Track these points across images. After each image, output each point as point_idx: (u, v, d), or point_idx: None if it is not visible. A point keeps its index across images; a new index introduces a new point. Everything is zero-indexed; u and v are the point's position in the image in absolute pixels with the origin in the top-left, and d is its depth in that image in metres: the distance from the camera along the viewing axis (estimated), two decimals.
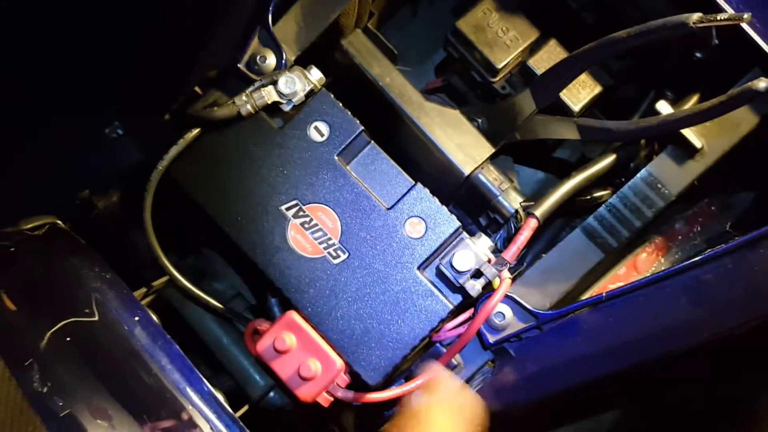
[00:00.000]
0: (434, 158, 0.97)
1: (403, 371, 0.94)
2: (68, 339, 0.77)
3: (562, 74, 0.93)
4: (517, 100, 0.99)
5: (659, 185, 0.92)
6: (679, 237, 1.03)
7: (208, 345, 0.99)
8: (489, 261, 0.86)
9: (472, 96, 1.10)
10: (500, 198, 0.96)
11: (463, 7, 1.14)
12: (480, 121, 1.02)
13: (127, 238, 1.00)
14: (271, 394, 0.98)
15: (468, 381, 0.94)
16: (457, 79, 1.11)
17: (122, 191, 1.01)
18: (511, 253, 0.86)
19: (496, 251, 0.89)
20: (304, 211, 0.89)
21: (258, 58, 0.95)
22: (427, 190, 0.88)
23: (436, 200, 0.88)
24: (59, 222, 0.98)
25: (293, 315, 0.86)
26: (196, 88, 0.99)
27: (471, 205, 1.02)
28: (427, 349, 0.94)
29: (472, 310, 0.89)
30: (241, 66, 0.95)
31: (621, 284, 0.99)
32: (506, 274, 0.85)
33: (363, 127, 0.89)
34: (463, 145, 0.97)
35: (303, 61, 0.96)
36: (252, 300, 1.06)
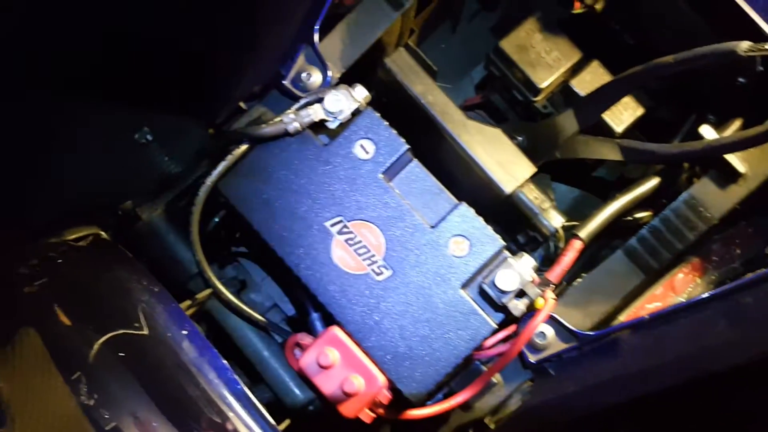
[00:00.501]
0: (475, 176, 0.98)
1: (443, 388, 0.95)
2: (116, 351, 0.78)
3: (607, 96, 0.94)
4: (559, 119, 1.00)
5: (701, 209, 0.93)
6: (716, 258, 1.03)
7: (248, 357, 0.99)
8: (533, 281, 0.86)
9: (512, 114, 1.11)
10: (541, 217, 0.97)
11: (503, 25, 1.16)
12: (520, 139, 1.03)
13: (169, 250, 1.01)
14: (310, 407, 0.99)
15: (506, 400, 0.94)
16: (497, 96, 1.12)
17: (166, 203, 1.02)
18: (556, 274, 0.87)
19: (538, 270, 0.89)
20: (348, 228, 0.90)
21: (303, 75, 0.96)
22: (471, 209, 0.89)
23: (481, 219, 0.89)
24: (102, 233, 0.99)
25: (337, 331, 0.87)
26: (241, 104, 1.01)
27: (510, 223, 1.02)
28: (467, 367, 0.94)
29: (512, 327, 0.90)
30: (286, 83, 0.96)
31: (658, 304, 1.00)
32: (550, 294, 0.86)
33: (408, 146, 0.90)
34: (505, 163, 0.97)
35: (346, 79, 0.97)
36: (288, 312, 1.07)
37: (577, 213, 1.10)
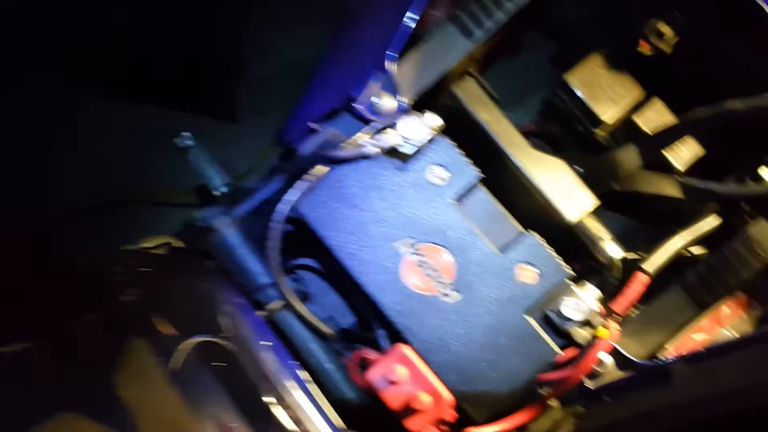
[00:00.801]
0: (537, 204, 1.02)
1: (505, 409, 0.98)
2: (202, 358, 0.82)
3: (672, 136, 0.98)
4: (620, 153, 1.04)
5: (758, 249, 0.96)
6: (762, 293, 1.07)
7: (310, 367, 1.03)
8: (597, 311, 0.90)
9: (571, 144, 1.14)
10: (600, 248, 1.00)
11: (563, 57, 1.19)
12: (580, 169, 1.06)
13: (239, 261, 1.04)
14: (368, 420, 1.02)
15: (560, 423, 0.98)
16: (555, 126, 1.16)
17: (238, 216, 1.05)
18: (622, 305, 0.91)
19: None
20: (420, 251, 0.93)
21: (375, 99, 1.00)
22: (540, 238, 0.93)
23: (548, 248, 0.93)
24: (173, 241, 1.03)
25: (405, 348, 0.91)
26: (312, 124, 1.04)
27: (567, 252, 1.06)
28: (527, 389, 0.97)
29: (571, 352, 0.93)
30: (358, 106, 1.00)
31: (704, 334, 1.03)
32: (614, 325, 0.90)
33: (482, 175, 0.94)
34: (569, 193, 1.01)
35: (416, 105, 1.01)
36: (343, 325, 1.10)
37: (626, 241, 1.13)
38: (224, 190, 1.12)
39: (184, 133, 1.25)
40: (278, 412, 0.81)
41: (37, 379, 0.69)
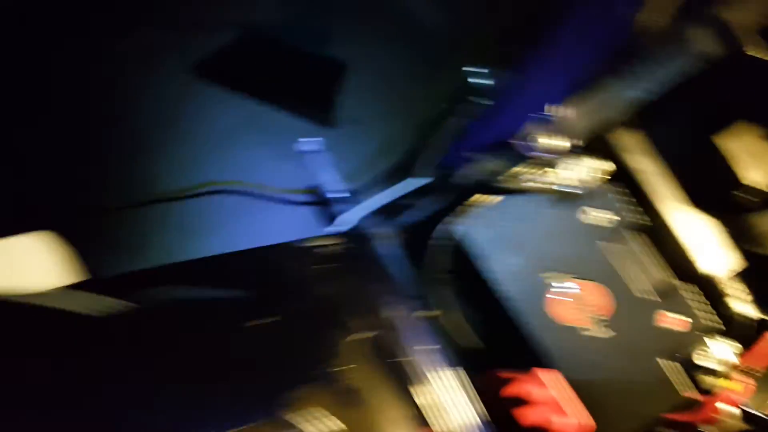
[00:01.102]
0: (684, 257, 1.09)
1: None
2: (375, 352, 0.92)
3: None
4: (760, 218, 1.10)
5: None
6: None
7: None
8: (732, 365, 0.97)
9: (713, 203, 1.20)
10: (738, 306, 1.07)
11: (711, 119, 1.26)
12: (726, 228, 1.13)
13: (390, 269, 1.14)
14: None
15: None
16: (699, 183, 1.22)
17: (395, 229, 1.15)
18: (759, 363, 0.98)
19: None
20: (571, 285, 1.01)
21: (537, 138, 1.08)
22: (686, 288, 1.00)
23: (693, 298, 1.00)
24: (341, 241, 1.13)
25: (548, 372, 0.99)
26: (471, 154, 1.13)
27: (707, 305, 1.12)
28: (655, 425, 1.05)
29: (699, 396, 1.00)
30: (519, 142, 1.08)
31: None
32: (748, 380, 0.96)
33: (639, 222, 1.02)
34: (714, 250, 1.08)
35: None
36: (479, 339, 1.18)
37: (761, 302, 1.18)
38: (340, 195, 1.20)
39: (304, 138, 1.34)
40: (431, 407, 0.90)
41: (285, 351, 0.80)
